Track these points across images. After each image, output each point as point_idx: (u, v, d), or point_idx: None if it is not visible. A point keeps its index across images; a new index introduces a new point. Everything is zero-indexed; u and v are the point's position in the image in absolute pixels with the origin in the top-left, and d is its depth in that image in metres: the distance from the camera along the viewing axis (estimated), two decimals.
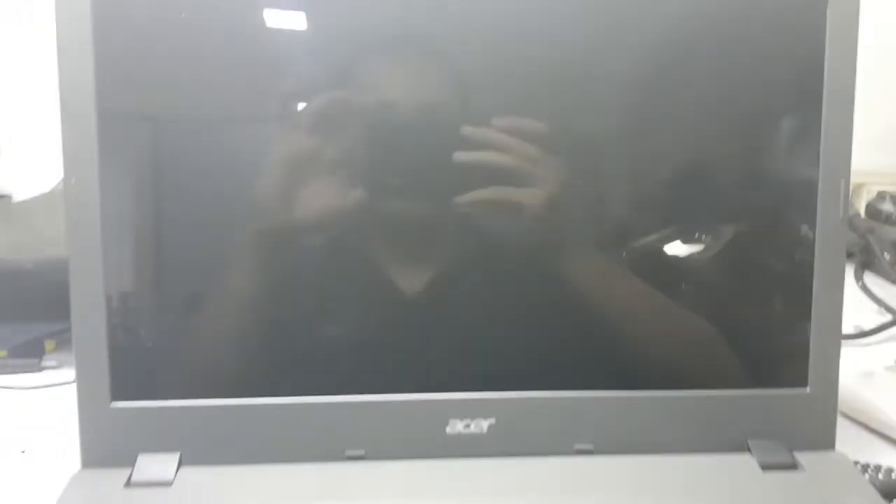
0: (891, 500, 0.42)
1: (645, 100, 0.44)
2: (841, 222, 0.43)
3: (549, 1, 0.42)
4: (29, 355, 0.58)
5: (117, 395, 0.42)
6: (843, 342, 0.61)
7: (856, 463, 0.45)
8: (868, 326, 0.65)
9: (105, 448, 0.42)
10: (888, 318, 0.66)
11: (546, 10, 0.42)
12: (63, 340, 0.60)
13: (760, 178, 0.45)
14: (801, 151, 0.43)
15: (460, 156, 0.42)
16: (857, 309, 0.71)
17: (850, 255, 0.80)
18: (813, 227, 0.43)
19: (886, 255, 0.76)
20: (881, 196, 0.81)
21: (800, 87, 0.43)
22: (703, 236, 0.45)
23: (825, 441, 0.44)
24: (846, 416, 0.51)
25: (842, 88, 0.43)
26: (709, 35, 0.44)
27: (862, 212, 0.81)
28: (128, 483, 0.41)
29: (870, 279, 0.76)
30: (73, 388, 0.43)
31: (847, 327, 0.65)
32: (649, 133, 0.45)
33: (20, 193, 0.80)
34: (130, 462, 0.42)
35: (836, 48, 0.42)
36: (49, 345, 0.60)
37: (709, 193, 0.45)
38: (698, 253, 0.45)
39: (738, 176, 0.45)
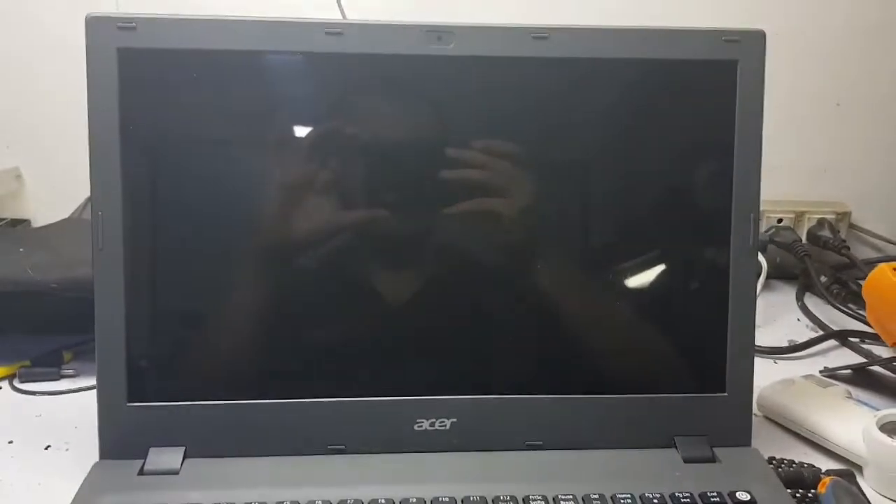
0: (795, 489, 0.49)
1: (600, 146, 0.52)
2: (751, 250, 0.50)
3: (522, 48, 0.49)
4: (49, 364, 0.64)
5: (132, 396, 0.48)
6: (777, 355, 0.69)
7: (770, 458, 0.52)
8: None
9: (121, 442, 0.48)
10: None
11: (522, 69, 0.50)
12: (80, 351, 0.65)
13: (687, 214, 0.52)
14: (716, 190, 0.50)
15: (445, 174, 0.49)
16: (794, 326, 0.77)
17: (793, 278, 0.87)
18: (727, 255, 0.50)
19: (823, 278, 0.83)
20: (820, 223, 0.88)
21: (714, 137, 0.50)
22: (643, 264, 0.52)
23: (741, 438, 0.51)
24: (768, 419, 0.58)
25: (750, 138, 0.50)
26: (647, 99, 0.51)
27: (803, 238, 0.88)
28: (140, 472, 0.47)
29: (809, 300, 0.83)
30: (90, 393, 0.49)
31: (783, 342, 0.72)
32: (604, 171, 0.52)
33: (39, 218, 0.87)
34: (142, 454, 0.48)
35: (745, 102, 0.50)
36: (67, 355, 0.65)
37: (648, 228, 0.52)
38: (636, 277, 0.52)
39: (669, 213, 0.52)
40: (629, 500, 0.45)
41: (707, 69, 0.50)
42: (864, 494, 0.47)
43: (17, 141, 0.90)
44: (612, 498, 0.46)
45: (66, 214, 0.83)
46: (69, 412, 0.59)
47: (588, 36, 0.50)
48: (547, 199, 0.51)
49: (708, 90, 0.50)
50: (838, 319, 0.78)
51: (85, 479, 0.47)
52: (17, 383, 0.63)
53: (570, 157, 0.52)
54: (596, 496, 0.46)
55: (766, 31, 0.50)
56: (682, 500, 0.45)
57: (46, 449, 0.54)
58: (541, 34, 0.49)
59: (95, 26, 0.47)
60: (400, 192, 0.50)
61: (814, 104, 0.91)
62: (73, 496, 0.45)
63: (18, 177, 0.90)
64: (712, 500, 0.46)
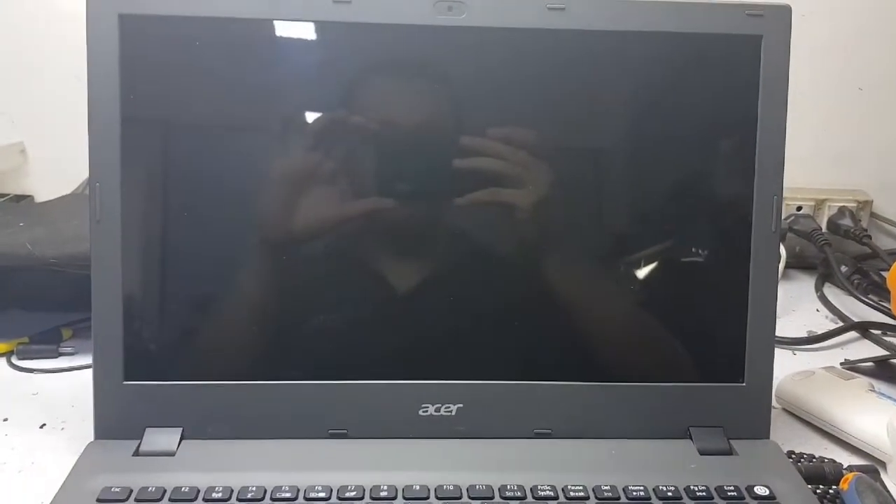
0: (815, 484, 0.47)
1: (618, 122, 0.50)
2: (773, 234, 0.48)
3: (537, 19, 0.47)
4: (48, 342, 0.63)
5: (129, 374, 0.47)
6: (796, 346, 0.67)
7: (790, 452, 0.50)
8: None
9: (116, 422, 0.47)
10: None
11: (537, 41, 0.48)
12: (79, 329, 0.64)
13: (708, 196, 0.50)
14: (738, 171, 0.48)
15: (458, 162, 0.47)
16: (814, 317, 0.75)
17: (812, 268, 0.85)
18: (748, 240, 0.48)
19: (843, 268, 0.80)
20: (841, 212, 0.85)
21: (737, 116, 0.48)
22: (660, 248, 0.50)
23: (760, 430, 0.49)
24: (787, 411, 0.56)
25: (774, 119, 0.48)
26: (668, 74, 0.49)
27: (823, 226, 0.85)
28: (136, 452, 0.46)
29: (829, 290, 0.81)
30: (87, 372, 0.48)
31: (802, 333, 0.70)
32: (623, 149, 0.50)
33: (43, 194, 0.86)
34: (138, 435, 0.47)
35: (769, 79, 0.47)
36: (66, 332, 0.64)
37: (667, 209, 0.50)
38: (653, 262, 0.50)
39: (689, 195, 0.50)
40: (642, 493, 0.44)
41: (730, 44, 0.48)
42: (888, 491, 0.45)
43: (22, 116, 0.89)
44: (623, 490, 0.44)
45: (70, 190, 0.81)
46: (66, 390, 0.58)
47: (605, 7, 0.48)
48: (562, 184, 0.49)
49: (731, 66, 0.48)
50: (859, 311, 0.76)
51: (79, 459, 0.46)
52: (14, 360, 0.62)
53: (585, 138, 0.50)
54: (607, 487, 0.44)
55: None
56: (698, 494, 0.44)
57: (41, 427, 0.53)
58: (557, 5, 0.47)
59: None
60: (409, 176, 0.48)
61: (836, 89, 0.89)
62: (66, 476, 0.44)
63: (22, 152, 0.89)
64: (729, 493, 0.44)
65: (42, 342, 0.63)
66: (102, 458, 0.46)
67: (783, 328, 0.70)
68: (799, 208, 0.87)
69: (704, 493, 0.44)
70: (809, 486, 0.46)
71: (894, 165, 0.90)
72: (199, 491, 0.43)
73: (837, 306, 0.76)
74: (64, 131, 0.85)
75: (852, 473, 0.45)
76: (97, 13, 0.46)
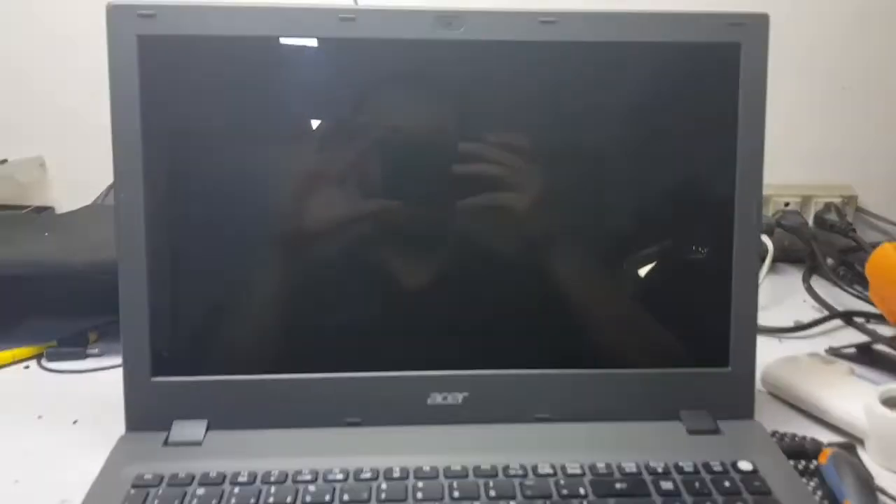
0: (797, 460, 0.50)
1: (607, 127, 0.53)
2: (753, 229, 0.52)
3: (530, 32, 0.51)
4: (75, 344, 0.66)
5: (157, 370, 0.50)
6: (783, 334, 0.70)
7: (773, 432, 0.53)
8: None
9: (146, 415, 0.50)
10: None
11: (530, 52, 0.51)
12: (105, 332, 0.67)
13: (692, 197, 0.53)
14: (721, 171, 0.51)
15: (459, 168, 0.51)
16: (801, 308, 0.78)
17: (799, 261, 0.88)
18: (731, 235, 0.51)
19: (829, 261, 0.83)
20: (827, 207, 0.89)
21: (718, 120, 0.52)
22: (651, 244, 0.54)
23: (744, 412, 0.53)
24: (772, 395, 0.60)
25: (753, 120, 0.51)
26: (653, 81, 0.53)
27: (810, 221, 0.88)
28: (165, 443, 0.49)
29: (816, 282, 0.84)
30: (114, 371, 0.51)
31: (789, 323, 0.74)
32: (612, 153, 0.53)
33: (62, 205, 0.89)
34: (167, 427, 0.50)
35: (748, 84, 0.51)
36: (92, 335, 0.67)
37: (655, 210, 0.53)
38: (644, 259, 0.53)
39: (675, 195, 0.53)
40: (634, 469, 0.47)
41: (711, 52, 0.51)
42: (863, 464, 0.48)
43: (40, 130, 0.92)
44: (617, 467, 0.47)
45: (88, 201, 0.85)
46: (95, 389, 0.61)
47: (594, 20, 0.51)
48: (555, 187, 0.52)
49: (712, 73, 0.52)
50: (844, 301, 0.79)
51: (113, 450, 0.49)
52: (44, 362, 0.65)
53: (576, 143, 0.53)
54: (602, 465, 0.47)
55: (773, 14, 0.51)
56: (686, 470, 0.47)
57: (74, 423, 0.56)
58: (549, 18, 0.50)
59: (116, 14, 0.49)
60: (413, 182, 0.51)
61: (821, 88, 0.92)
62: (101, 466, 0.48)
63: (42, 165, 0.92)
64: (715, 469, 0.47)
65: (70, 345, 0.66)
66: (134, 449, 0.49)
67: (772, 318, 0.73)
68: (787, 204, 0.90)
69: (692, 469, 0.47)
70: (791, 462, 0.49)
71: (878, 162, 0.93)
72: (225, 476, 0.46)
73: (823, 297, 0.79)
74: (81, 145, 0.88)
75: (830, 449, 0.48)
76: (117, 35, 0.49)
